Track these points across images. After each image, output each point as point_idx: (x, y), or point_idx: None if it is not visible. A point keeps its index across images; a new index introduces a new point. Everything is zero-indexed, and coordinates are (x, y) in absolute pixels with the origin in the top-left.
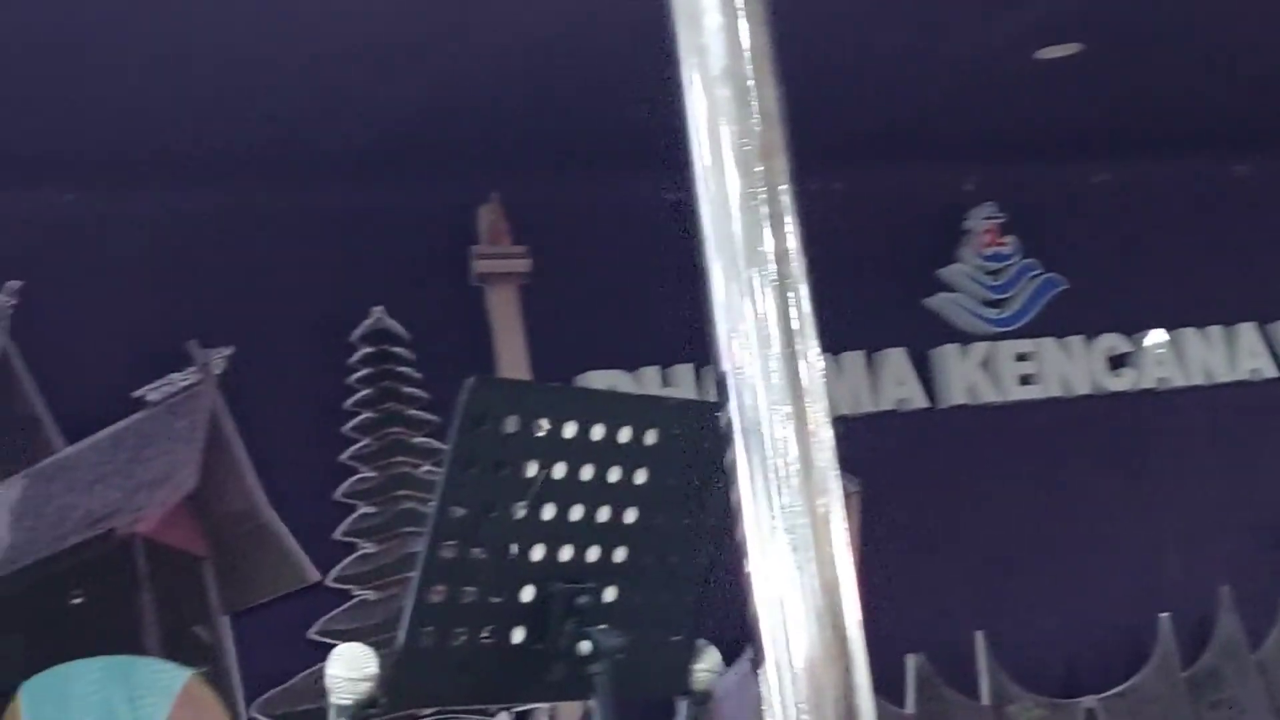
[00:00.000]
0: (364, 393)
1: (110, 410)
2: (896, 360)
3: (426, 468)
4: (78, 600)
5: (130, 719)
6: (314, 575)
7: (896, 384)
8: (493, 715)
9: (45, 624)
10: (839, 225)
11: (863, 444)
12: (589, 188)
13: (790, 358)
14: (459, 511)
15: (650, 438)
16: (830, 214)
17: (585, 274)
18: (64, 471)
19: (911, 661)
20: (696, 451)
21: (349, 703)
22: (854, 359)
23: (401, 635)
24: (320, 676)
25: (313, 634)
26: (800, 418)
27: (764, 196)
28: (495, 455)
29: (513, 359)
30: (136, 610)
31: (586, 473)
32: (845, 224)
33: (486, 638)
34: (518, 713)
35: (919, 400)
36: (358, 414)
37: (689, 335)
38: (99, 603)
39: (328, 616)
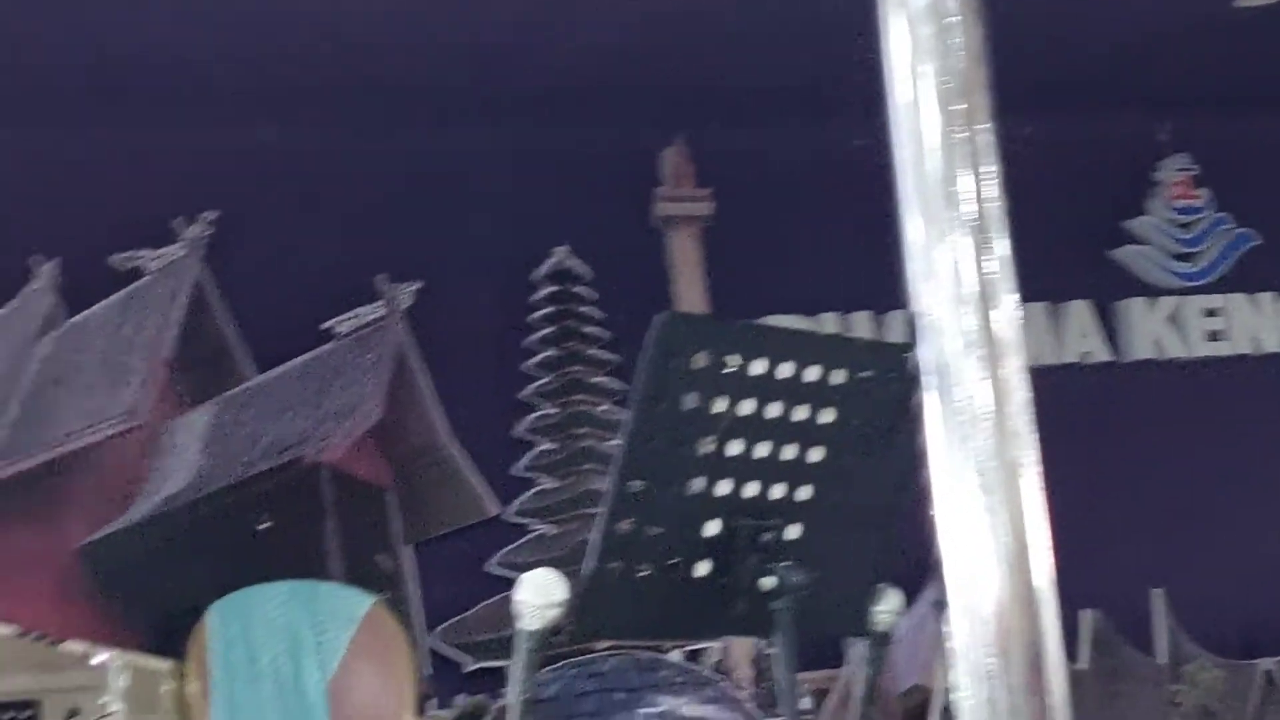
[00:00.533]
0: (545, 331)
1: (299, 341)
2: (1081, 312)
3: (605, 406)
4: (265, 526)
5: (314, 642)
6: (493, 509)
7: (1080, 336)
8: (666, 651)
9: (233, 548)
10: (1026, 171)
11: (1043, 396)
12: (773, 132)
13: (984, 304)
14: (646, 445)
15: (838, 377)
16: (1018, 159)
17: (767, 218)
18: (254, 400)
19: (1087, 617)
20: (885, 393)
21: (536, 628)
22: (1037, 310)
23: (589, 566)
24: (498, 607)
25: (491, 567)
26: (993, 365)
27: (963, 135)
28: (683, 390)
29: (692, 301)
30: (321, 537)
31: (773, 410)
32: (1032, 170)
33: (671, 571)
34: (689, 651)
35: (1103, 354)
36: (539, 352)
37: (869, 281)
38: (285, 529)
39: (506, 550)
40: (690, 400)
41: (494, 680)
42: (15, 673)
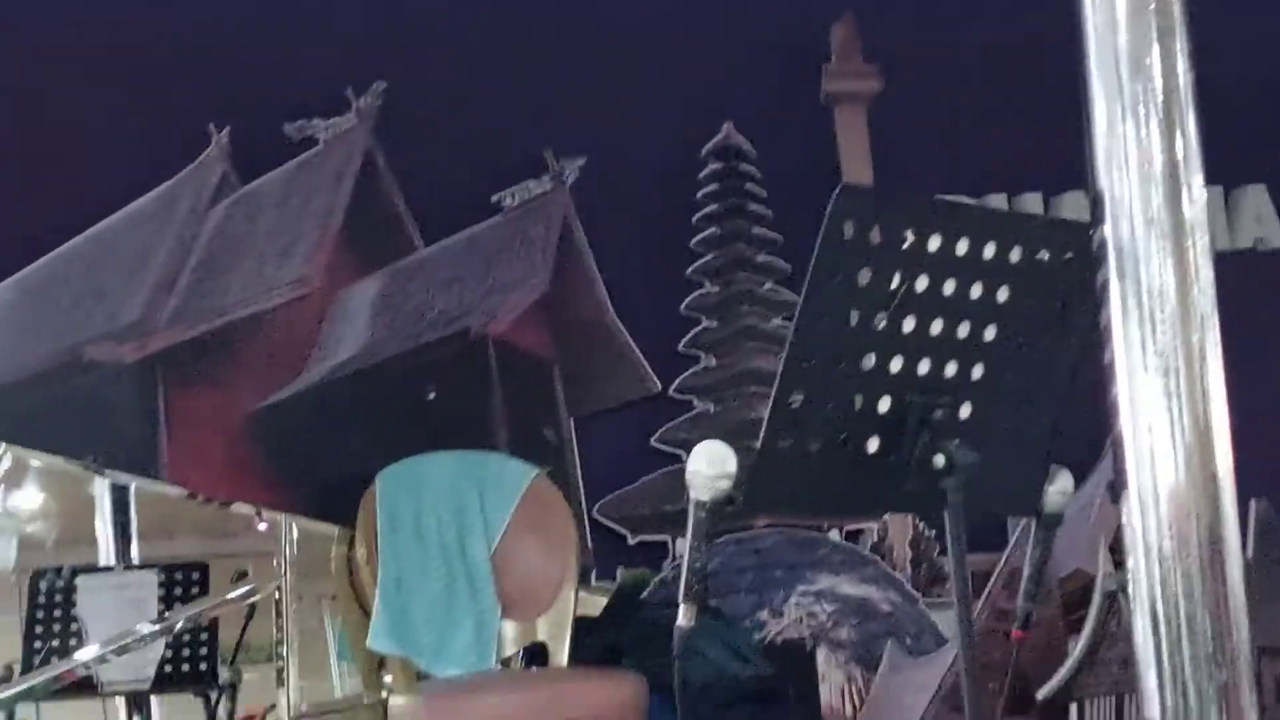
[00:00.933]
0: (710, 208)
1: (468, 213)
2: (1256, 197)
3: (768, 285)
4: (432, 396)
5: (479, 511)
6: (656, 385)
7: (1255, 221)
8: (824, 531)
9: (401, 417)
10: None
11: (1217, 283)
12: (944, 5)
13: (1173, 185)
14: (820, 320)
15: (1016, 255)
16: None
17: (936, 95)
18: (422, 271)
19: (1255, 506)
20: (1063, 272)
21: (707, 499)
22: (1211, 194)
23: (761, 439)
24: (660, 483)
25: (653, 442)
26: (1179, 249)
27: (1155, 6)
28: (859, 265)
29: (858, 179)
30: (487, 408)
31: (949, 287)
32: (1205, 50)
33: (842, 447)
34: (848, 531)
35: (1278, 239)
36: (703, 229)
37: (1041, 161)
38: (452, 399)
39: (667, 426)
40: (865, 275)
41: (654, 554)
42: (185, 536)
